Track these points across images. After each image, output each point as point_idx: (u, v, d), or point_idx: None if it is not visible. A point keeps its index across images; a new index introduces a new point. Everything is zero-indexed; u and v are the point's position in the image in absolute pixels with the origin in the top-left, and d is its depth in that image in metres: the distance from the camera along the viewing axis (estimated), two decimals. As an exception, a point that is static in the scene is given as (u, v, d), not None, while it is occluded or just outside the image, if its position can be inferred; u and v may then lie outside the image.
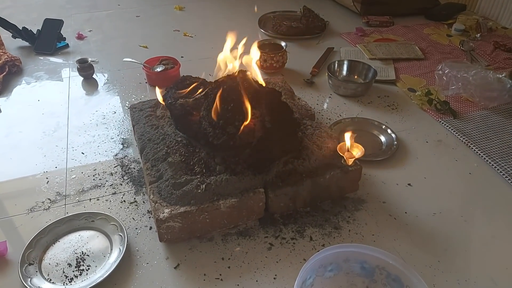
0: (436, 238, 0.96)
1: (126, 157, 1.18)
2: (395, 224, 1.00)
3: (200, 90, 1.03)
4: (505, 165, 1.16)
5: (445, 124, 1.33)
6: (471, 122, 1.34)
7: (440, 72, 1.50)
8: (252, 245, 0.94)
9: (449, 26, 2.01)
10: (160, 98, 1.07)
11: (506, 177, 1.13)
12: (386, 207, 1.04)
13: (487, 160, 1.18)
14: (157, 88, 1.12)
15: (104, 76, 1.59)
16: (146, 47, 1.80)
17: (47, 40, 1.77)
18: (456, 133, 1.29)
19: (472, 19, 2.00)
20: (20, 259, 0.87)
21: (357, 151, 0.99)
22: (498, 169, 1.15)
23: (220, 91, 0.94)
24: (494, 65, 1.69)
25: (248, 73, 0.99)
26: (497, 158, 1.18)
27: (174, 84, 1.09)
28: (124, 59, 1.58)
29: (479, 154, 1.21)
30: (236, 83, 0.96)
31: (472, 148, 1.23)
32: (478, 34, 1.91)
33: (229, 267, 0.89)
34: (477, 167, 1.17)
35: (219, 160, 0.97)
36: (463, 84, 1.41)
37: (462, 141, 1.26)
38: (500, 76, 1.43)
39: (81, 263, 0.88)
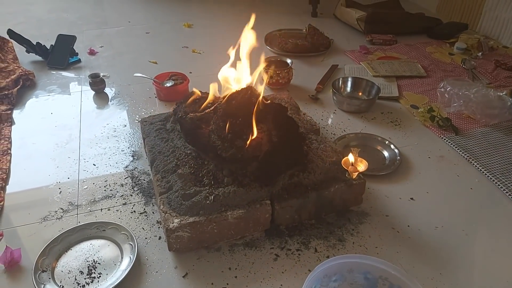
0: (438, 251, 0.98)
1: (136, 169, 1.22)
2: (398, 237, 1.02)
3: (209, 104, 1.08)
4: (505, 180, 1.18)
5: (447, 140, 1.36)
6: (472, 138, 1.37)
7: (442, 89, 1.54)
8: (258, 256, 0.96)
9: (451, 45, 2.06)
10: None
11: (506, 192, 1.15)
12: (389, 220, 1.06)
13: (488, 176, 1.21)
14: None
15: (114, 90, 1.64)
16: (156, 63, 1.86)
17: (60, 55, 1.83)
18: (458, 149, 1.32)
19: (474, 38, 2.04)
20: (34, 266, 0.90)
21: (361, 165, 1.02)
22: (499, 185, 1.17)
23: (229, 106, 0.98)
24: (495, 83, 1.72)
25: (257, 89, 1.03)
26: (498, 174, 1.21)
27: (184, 99, 1.14)
28: (135, 74, 1.63)
29: (480, 170, 1.23)
30: (244, 99, 1.00)
31: (473, 164, 1.26)
32: (480, 53, 1.95)
33: (236, 277, 0.91)
34: (478, 183, 1.20)
35: (227, 172, 1.01)
36: (465, 101, 1.45)
37: (464, 157, 1.29)
38: (501, 94, 1.46)
39: (93, 271, 0.91)
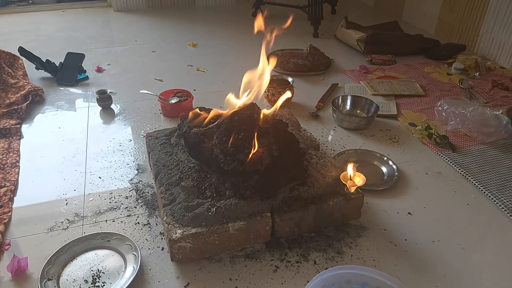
0: (435, 264, 1.00)
1: (140, 182, 1.25)
2: (395, 250, 1.04)
3: (212, 120, 1.12)
4: (501, 196, 1.21)
5: (444, 157, 1.39)
6: (469, 155, 1.40)
7: (440, 108, 1.58)
8: (258, 267, 0.99)
9: (449, 65, 2.11)
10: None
11: (502, 208, 1.17)
12: (387, 234, 1.09)
13: (484, 192, 1.23)
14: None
15: (120, 107, 1.69)
16: (161, 80, 1.91)
17: (69, 72, 1.89)
18: (455, 166, 1.35)
19: (471, 59, 2.10)
20: (40, 274, 0.92)
21: (359, 180, 1.06)
22: (495, 201, 1.20)
23: (232, 121, 1.02)
24: (492, 102, 1.76)
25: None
26: (494, 190, 1.23)
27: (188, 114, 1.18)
28: (141, 91, 1.68)
29: (477, 186, 1.26)
30: (246, 114, 1.04)
31: (470, 180, 1.29)
32: (477, 73, 2.00)
33: (236, 287, 0.94)
34: (475, 198, 1.22)
35: (229, 185, 1.04)
36: (461, 119, 1.48)
37: (461, 173, 1.32)
38: (497, 113, 1.50)
39: (97, 280, 0.93)
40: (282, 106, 1.63)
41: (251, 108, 1.07)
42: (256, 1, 2.81)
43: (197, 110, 1.15)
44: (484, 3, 2.18)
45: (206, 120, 1.10)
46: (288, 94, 1.15)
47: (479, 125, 1.46)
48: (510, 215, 1.15)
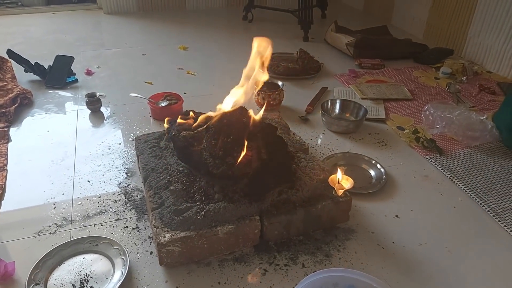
0: (422, 267, 1.02)
1: (129, 186, 1.25)
2: (383, 253, 1.05)
3: (201, 123, 1.12)
4: (488, 199, 1.23)
5: (431, 161, 1.41)
6: (456, 159, 1.42)
7: (427, 112, 1.60)
8: (247, 271, 0.99)
9: (436, 70, 2.14)
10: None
11: (488, 211, 1.19)
12: (374, 237, 1.10)
13: (470, 195, 1.25)
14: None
15: (109, 110, 1.68)
16: (151, 84, 1.91)
17: (58, 75, 1.87)
18: (442, 169, 1.37)
19: (459, 63, 2.13)
20: (27, 279, 0.92)
21: (347, 183, 1.07)
22: (481, 204, 1.22)
23: (221, 125, 1.03)
24: (479, 106, 1.79)
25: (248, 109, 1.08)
26: (480, 193, 1.25)
27: (177, 117, 1.18)
28: (131, 94, 1.68)
29: (463, 189, 1.28)
30: (235, 118, 1.04)
31: (456, 184, 1.31)
32: (464, 77, 2.03)
33: (225, 291, 0.94)
34: (461, 201, 1.24)
35: (217, 189, 1.04)
36: (447, 123, 1.51)
37: (448, 176, 1.34)
38: (482, 118, 1.52)
39: (85, 284, 0.93)
40: (271, 109, 1.65)
41: (240, 112, 1.07)
42: (247, 4, 2.82)
43: (192, 113, 1.15)
44: (471, 8, 2.22)
45: (195, 123, 1.11)
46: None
47: (464, 129, 1.49)
48: (496, 218, 1.17)
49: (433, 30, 2.52)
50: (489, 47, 2.15)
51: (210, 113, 1.11)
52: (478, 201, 1.23)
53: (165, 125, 1.18)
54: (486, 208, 1.20)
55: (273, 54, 2.27)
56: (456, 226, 1.16)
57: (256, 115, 1.06)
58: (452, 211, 1.21)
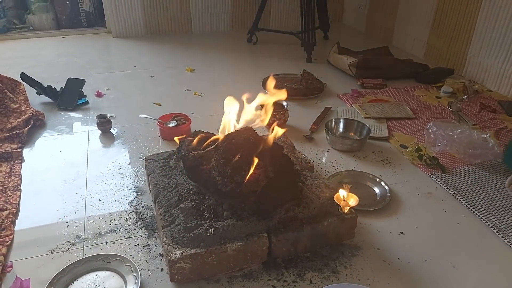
0: (427, 282, 1.03)
1: (140, 204, 1.28)
2: (388, 269, 1.07)
3: (210, 143, 1.16)
4: (491, 216, 1.25)
5: (434, 178, 1.44)
6: (459, 176, 1.45)
7: (429, 130, 1.63)
8: (256, 287, 1.01)
9: (438, 89, 2.18)
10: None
11: (491, 227, 1.21)
12: (380, 253, 1.12)
13: (474, 212, 1.28)
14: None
15: (119, 131, 1.73)
16: (160, 105, 1.97)
17: (69, 97, 1.93)
18: (445, 186, 1.39)
19: (459, 82, 2.17)
20: (42, 296, 0.95)
21: (352, 200, 1.10)
22: (484, 220, 1.24)
23: (229, 144, 1.07)
24: (481, 124, 1.82)
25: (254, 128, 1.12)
26: (483, 210, 1.28)
27: (186, 138, 1.22)
28: (140, 115, 1.73)
29: (467, 206, 1.30)
30: (243, 137, 1.09)
31: (460, 201, 1.33)
32: (465, 96, 2.07)
33: (234, 307, 0.96)
34: (465, 218, 1.26)
35: (226, 207, 1.07)
36: (449, 141, 1.54)
37: (451, 193, 1.36)
38: (485, 136, 1.55)
39: (98, 301, 0.96)
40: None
41: (248, 132, 1.11)
42: (251, 27, 2.90)
43: (202, 134, 1.20)
44: (470, 29, 2.28)
45: (205, 143, 1.15)
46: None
47: (466, 147, 1.52)
48: (500, 234, 1.19)
49: (433, 51, 2.58)
50: (488, 67, 2.20)
51: (217, 134, 1.16)
52: (481, 218, 1.25)
53: (176, 140, 1.22)
54: (489, 224, 1.22)
55: (277, 75, 2.34)
56: (460, 242, 1.18)
57: (268, 135, 1.10)
58: (456, 227, 1.23)
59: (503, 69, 2.11)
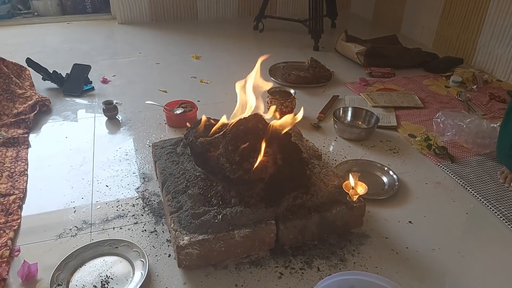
0: (435, 272, 1.03)
1: (146, 190, 1.28)
2: (397, 258, 1.07)
3: (218, 130, 1.15)
4: (500, 206, 1.24)
5: (443, 168, 1.42)
6: (468, 166, 1.43)
7: (438, 119, 1.62)
8: (263, 274, 1.01)
9: (447, 78, 2.15)
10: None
11: (500, 217, 1.20)
12: (388, 242, 1.11)
13: (483, 202, 1.26)
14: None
15: (125, 117, 1.72)
16: (166, 92, 1.95)
17: (75, 83, 1.92)
18: (454, 176, 1.38)
19: (469, 72, 2.14)
20: (50, 280, 0.95)
21: (361, 189, 1.09)
22: (493, 210, 1.23)
23: (237, 131, 1.06)
24: (490, 114, 1.80)
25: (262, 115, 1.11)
26: (492, 200, 1.26)
27: (194, 124, 1.21)
28: (146, 102, 1.71)
29: (476, 196, 1.29)
30: (251, 124, 1.07)
31: (468, 190, 1.32)
32: (475, 86, 2.05)
33: (241, 293, 0.96)
34: (474, 208, 1.25)
35: (234, 193, 1.07)
36: (457, 131, 1.52)
37: (460, 183, 1.35)
38: (495, 125, 1.53)
39: (106, 286, 0.96)
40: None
41: (256, 118, 1.10)
42: (258, 14, 2.87)
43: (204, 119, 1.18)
44: (480, 18, 2.24)
45: (213, 129, 1.14)
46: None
47: (474, 137, 1.50)
48: (508, 224, 1.18)
49: (442, 40, 2.55)
50: (499, 56, 2.16)
51: (225, 119, 1.14)
52: (491, 208, 1.24)
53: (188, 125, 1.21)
54: (498, 215, 1.21)
55: (285, 63, 2.32)
56: (469, 232, 1.17)
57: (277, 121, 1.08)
58: (464, 217, 1.22)
59: (514, 59, 2.08)
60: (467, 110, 1.81)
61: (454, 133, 1.53)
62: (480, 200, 1.27)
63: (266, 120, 1.12)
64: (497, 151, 1.39)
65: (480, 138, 1.48)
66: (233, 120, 1.13)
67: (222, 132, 1.13)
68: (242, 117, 1.12)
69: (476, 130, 1.50)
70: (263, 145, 1.03)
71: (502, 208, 1.23)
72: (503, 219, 1.19)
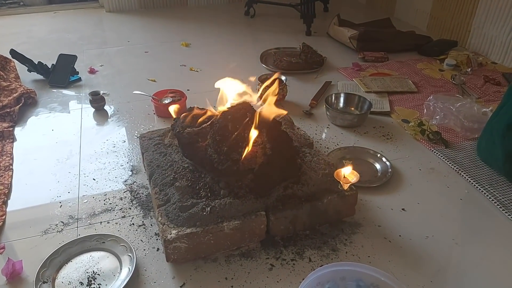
0: (429, 259, 1.01)
1: (134, 183, 1.25)
2: (389, 246, 1.05)
3: (206, 120, 1.12)
4: (494, 191, 1.22)
5: (437, 153, 1.40)
6: (462, 151, 1.41)
7: (429, 103, 1.59)
8: (254, 266, 0.99)
9: (441, 61, 2.12)
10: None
11: (495, 202, 1.18)
12: (381, 230, 1.10)
13: (477, 187, 1.25)
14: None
15: (113, 108, 1.68)
16: (154, 81, 1.91)
17: (61, 74, 1.88)
18: (448, 161, 1.36)
19: (463, 55, 2.11)
20: (35, 277, 0.92)
21: (353, 177, 1.06)
22: (487, 195, 1.21)
23: (225, 120, 1.03)
24: (484, 98, 1.77)
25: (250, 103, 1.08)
26: (486, 185, 1.24)
27: (181, 114, 1.18)
28: (134, 92, 1.68)
29: (470, 181, 1.27)
30: (239, 114, 1.04)
31: (463, 176, 1.30)
32: (469, 69, 2.01)
33: (232, 286, 0.94)
34: (468, 194, 1.24)
35: (223, 185, 1.04)
36: (445, 114, 1.50)
37: (454, 169, 1.33)
38: (486, 110, 1.51)
39: (92, 282, 0.93)
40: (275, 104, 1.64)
41: (244, 107, 1.07)
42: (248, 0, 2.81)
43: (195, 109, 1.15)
44: (475, -1, 2.20)
45: (200, 119, 1.10)
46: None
47: (463, 120, 1.47)
48: (503, 209, 1.16)
49: (436, 22, 2.50)
50: (493, 38, 2.13)
51: (212, 109, 1.11)
52: (485, 193, 1.22)
53: (171, 111, 1.18)
54: (492, 200, 1.19)
55: (277, 49, 2.27)
56: (463, 218, 1.15)
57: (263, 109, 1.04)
58: (458, 203, 1.20)
59: (509, 41, 2.04)
60: (461, 94, 1.78)
61: (442, 116, 1.51)
62: (474, 185, 1.25)
63: (254, 109, 1.09)
64: (483, 133, 1.34)
65: (469, 122, 1.45)
66: (220, 109, 1.10)
67: (210, 122, 1.10)
68: (230, 106, 1.09)
69: (464, 114, 1.47)
70: (251, 134, 1.00)
71: (496, 193, 1.21)
72: (497, 205, 1.18)
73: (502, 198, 1.19)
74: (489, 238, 1.08)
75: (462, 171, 1.31)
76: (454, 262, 1.01)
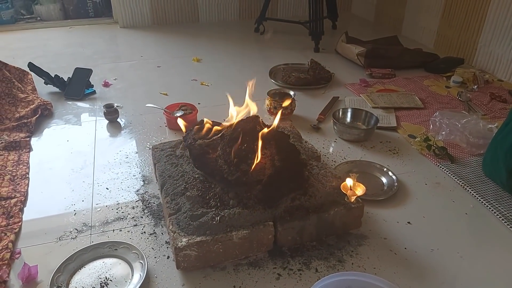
0: (434, 272, 1.03)
1: (146, 193, 1.29)
2: (395, 258, 1.06)
3: (216, 132, 1.15)
4: (499, 206, 1.23)
5: (443, 168, 1.42)
6: (467, 166, 1.43)
7: (435, 119, 1.62)
8: (261, 275, 1.01)
9: (447, 78, 2.15)
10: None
11: (500, 217, 1.20)
12: (387, 243, 1.11)
13: (482, 202, 1.26)
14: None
15: (126, 120, 1.73)
16: (166, 95, 1.96)
17: (77, 87, 1.94)
18: (453, 176, 1.38)
19: (469, 72, 2.14)
20: (50, 282, 0.95)
21: (359, 190, 1.09)
22: (492, 210, 1.22)
23: (235, 133, 1.06)
24: (490, 114, 1.79)
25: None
26: (491, 200, 1.26)
27: (193, 127, 1.22)
28: (147, 105, 1.73)
29: (475, 196, 1.29)
30: (249, 126, 1.08)
31: (468, 191, 1.31)
32: (475, 86, 2.04)
33: (240, 295, 0.96)
34: (473, 208, 1.25)
35: (232, 195, 1.07)
36: (451, 130, 1.52)
37: (459, 184, 1.35)
38: (493, 126, 1.53)
39: (105, 287, 0.96)
40: (284, 118, 1.68)
41: (254, 120, 1.11)
42: (259, 17, 2.88)
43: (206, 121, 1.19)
44: (481, 17, 2.24)
45: (211, 132, 1.14)
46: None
47: (468, 136, 1.49)
48: (508, 225, 1.17)
49: (443, 40, 2.54)
50: (500, 56, 2.16)
51: (225, 123, 1.15)
52: (490, 208, 1.24)
53: (181, 124, 1.22)
54: (498, 215, 1.21)
55: (285, 64, 2.33)
56: (468, 233, 1.17)
57: (270, 124, 1.09)
58: (464, 217, 1.22)
59: (515, 58, 2.07)
60: (467, 110, 1.80)
61: (448, 132, 1.53)
62: (480, 200, 1.27)
63: (264, 122, 1.12)
64: (489, 149, 1.34)
65: (475, 138, 1.47)
66: (231, 122, 1.14)
67: (220, 134, 1.14)
68: (240, 120, 1.13)
69: (470, 130, 1.49)
70: (259, 145, 1.03)
71: (502, 209, 1.23)
72: (503, 220, 1.19)
73: (508, 213, 1.21)
74: (494, 252, 1.09)
75: (467, 186, 1.32)
76: (459, 275, 1.02)
